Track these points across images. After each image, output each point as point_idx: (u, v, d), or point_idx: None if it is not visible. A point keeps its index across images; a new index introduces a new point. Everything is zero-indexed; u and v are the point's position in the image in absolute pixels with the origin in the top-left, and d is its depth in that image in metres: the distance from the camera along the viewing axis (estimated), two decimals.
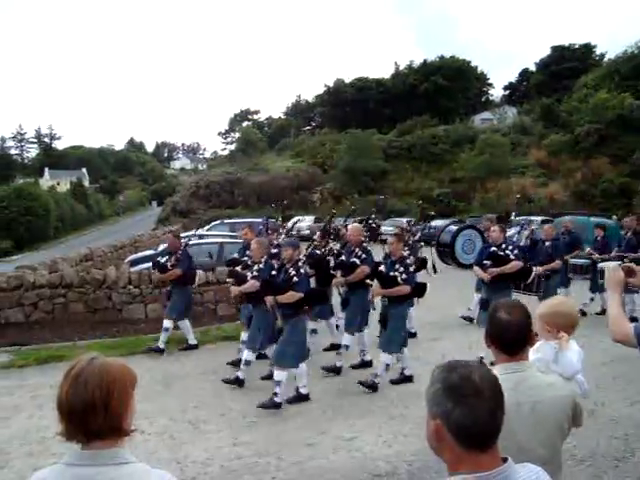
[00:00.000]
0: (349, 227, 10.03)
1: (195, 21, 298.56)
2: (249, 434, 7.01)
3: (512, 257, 9.31)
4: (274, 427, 7.19)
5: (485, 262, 9.57)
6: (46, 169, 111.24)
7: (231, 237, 19.04)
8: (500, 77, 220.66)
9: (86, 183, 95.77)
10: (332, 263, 9.64)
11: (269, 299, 7.94)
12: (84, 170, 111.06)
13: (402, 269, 8.28)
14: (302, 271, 7.92)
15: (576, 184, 47.65)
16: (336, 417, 7.44)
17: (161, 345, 10.51)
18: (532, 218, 23.56)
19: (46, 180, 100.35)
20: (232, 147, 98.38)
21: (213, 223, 24.25)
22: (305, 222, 35.90)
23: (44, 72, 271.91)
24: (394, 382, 8.70)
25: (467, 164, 51.48)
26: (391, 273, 8.30)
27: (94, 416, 2.01)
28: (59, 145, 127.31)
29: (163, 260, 10.96)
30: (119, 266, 15.82)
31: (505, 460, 1.82)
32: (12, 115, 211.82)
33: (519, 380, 2.66)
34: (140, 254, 16.09)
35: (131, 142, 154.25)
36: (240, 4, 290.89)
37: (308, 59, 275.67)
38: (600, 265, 12.52)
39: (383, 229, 21.70)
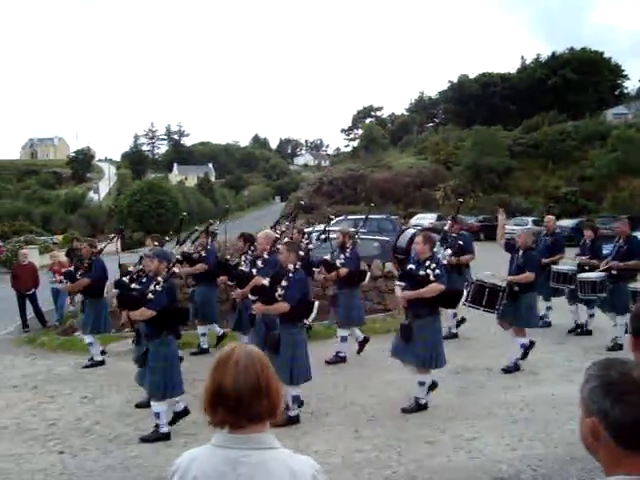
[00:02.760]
0: (259, 235, 9.27)
1: (320, 17, 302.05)
2: (370, 428, 7.11)
3: (432, 278, 7.43)
4: (394, 423, 7.25)
5: (400, 282, 7.90)
6: (175, 164, 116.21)
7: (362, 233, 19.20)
8: (636, 68, 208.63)
9: (212, 178, 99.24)
10: None
11: (124, 315, 7.57)
12: (210, 165, 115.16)
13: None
14: (162, 287, 7.04)
15: None
16: (456, 416, 7.41)
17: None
18: None
19: (175, 175, 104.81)
20: (355, 144, 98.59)
21: (337, 219, 24.46)
22: (427, 220, 35.63)
23: (174, 72, 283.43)
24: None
25: (597, 161, 49.18)
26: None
27: (259, 400, 2.14)
28: (187, 142, 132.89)
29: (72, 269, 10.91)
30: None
31: None
32: (145, 114, 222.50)
33: None
34: None
35: (256, 138, 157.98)
36: (362, 0, 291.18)
37: (431, 55, 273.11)
38: (580, 276, 11.00)
39: (509, 228, 21.05)
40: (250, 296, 7.85)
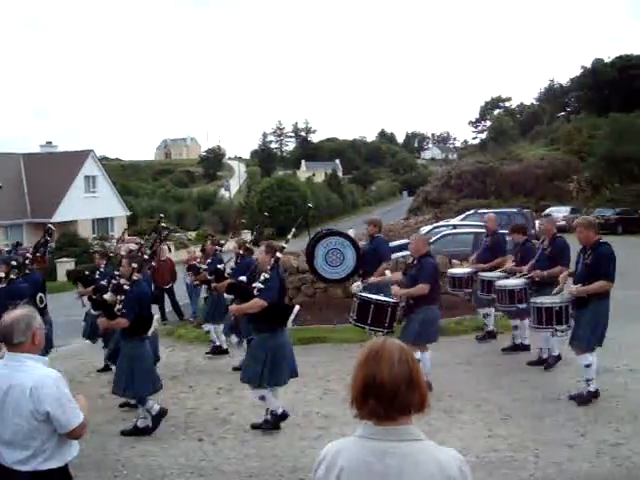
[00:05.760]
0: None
1: (444, 6, 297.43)
2: (504, 428, 6.94)
3: (255, 293, 6.99)
4: (531, 423, 7.03)
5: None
6: (303, 161, 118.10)
7: (480, 226, 18.82)
8: None
9: (340, 174, 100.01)
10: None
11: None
12: (337, 161, 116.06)
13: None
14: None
15: None
16: (597, 419, 7.06)
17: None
18: None
19: (303, 171, 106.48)
20: (483, 136, 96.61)
21: (466, 213, 24.03)
22: (561, 213, 34.32)
23: (302, 70, 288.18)
24: None
25: None
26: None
27: (412, 391, 2.17)
28: (314, 138, 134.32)
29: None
30: None
31: None
32: (272, 112, 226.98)
33: None
34: (396, 242, 16.47)
35: (382, 133, 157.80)
36: None
37: (561, 40, 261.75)
38: (500, 284, 9.31)
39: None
40: (226, 295, 7.92)
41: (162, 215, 10.38)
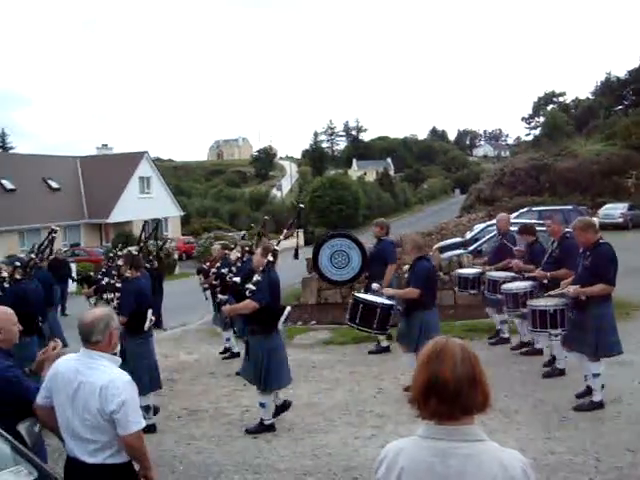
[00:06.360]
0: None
1: (490, 2, 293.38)
2: (563, 430, 6.77)
3: (248, 294, 7.05)
4: (590, 426, 6.84)
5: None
6: (354, 160, 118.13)
7: (539, 225, 18.47)
8: None
9: (391, 172, 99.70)
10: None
11: None
12: (389, 160, 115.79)
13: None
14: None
15: None
16: None
17: None
18: None
19: (354, 170, 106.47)
20: (536, 132, 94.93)
21: (520, 211, 23.60)
22: (618, 210, 33.50)
23: (351, 69, 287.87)
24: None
25: None
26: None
27: (475, 391, 2.15)
28: (365, 137, 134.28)
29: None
30: (429, 252, 16.23)
31: None
32: (323, 111, 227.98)
33: None
34: (448, 241, 16.29)
35: (433, 131, 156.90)
36: None
37: (618, 32, 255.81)
38: (506, 287, 9.02)
39: None
40: (220, 296, 8.25)
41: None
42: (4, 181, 40.88)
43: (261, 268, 7.19)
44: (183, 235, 47.85)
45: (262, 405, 7.36)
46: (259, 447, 6.91)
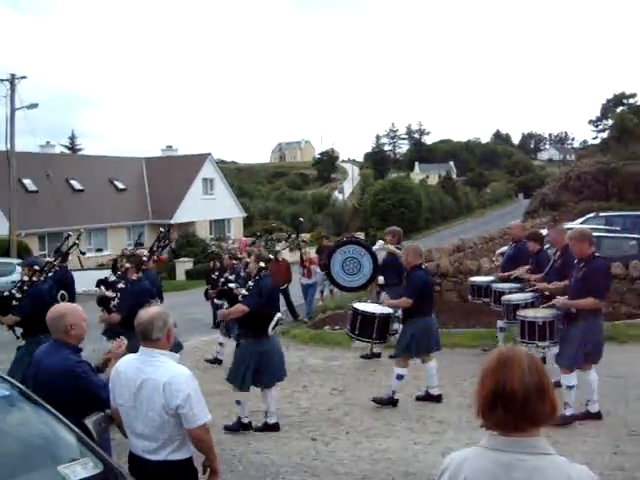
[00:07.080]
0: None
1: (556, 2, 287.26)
2: (632, 444, 6.53)
3: (240, 299, 7.32)
4: None
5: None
6: (416, 163, 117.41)
7: (608, 231, 18.01)
8: None
9: (454, 176, 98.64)
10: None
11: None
12: (451, 163, 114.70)
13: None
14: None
15: None
16: None
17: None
18: None
19: (416, 174, 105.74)
20: (604, 135, 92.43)
21: (587, 216, 22.95)
22: None
23: (414, 72, 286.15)
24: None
25: None
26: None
27: (543, 401, 2.09)
28: (428, 140, 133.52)
29: None
30: (491, 257, 16.00)
31: None
32: (386, 114, 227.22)
33: None
34: (504, 248, 16.04)
35: (497, 134, 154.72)
36: None
37: None
38: (505, 298, 8.78)
39: None
40: (216, 300, 8.55)
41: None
42: (73, 182, 41.99)
43: (254, 274, 7.47)
44: (245, 237, 48.31)
45: (238, 403, 7.58)
46: (317, 449, 6.92)
